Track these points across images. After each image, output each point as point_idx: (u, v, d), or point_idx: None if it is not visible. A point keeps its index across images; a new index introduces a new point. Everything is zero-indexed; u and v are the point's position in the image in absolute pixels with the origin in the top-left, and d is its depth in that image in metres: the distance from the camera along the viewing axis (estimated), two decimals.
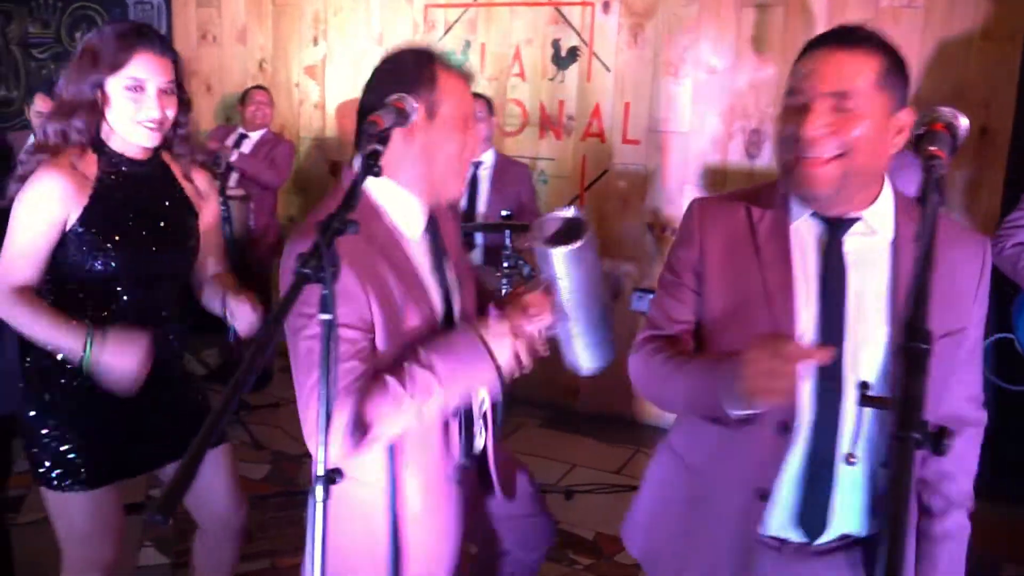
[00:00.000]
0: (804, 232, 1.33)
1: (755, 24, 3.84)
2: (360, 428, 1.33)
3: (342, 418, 1.31)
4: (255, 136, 4.60)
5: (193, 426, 1.90)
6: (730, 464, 1.35)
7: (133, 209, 1.77)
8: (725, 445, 1.35)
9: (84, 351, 1.66)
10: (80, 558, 1.84)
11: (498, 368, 1.41)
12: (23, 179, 1.68)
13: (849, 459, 1.26)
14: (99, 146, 1.76)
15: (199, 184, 1.94)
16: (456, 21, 4.50)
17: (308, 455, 1.17)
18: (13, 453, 2.29)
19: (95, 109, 1.70)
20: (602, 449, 4.01)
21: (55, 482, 1.76)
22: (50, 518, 1.83)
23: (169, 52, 1.74)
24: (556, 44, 4.31)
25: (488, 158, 3.79)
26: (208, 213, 1.95)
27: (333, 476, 1.12)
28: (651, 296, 2.96)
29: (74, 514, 1.79)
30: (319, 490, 1.12)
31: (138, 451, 1.85)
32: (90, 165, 1.73)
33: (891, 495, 0.70)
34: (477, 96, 4.24)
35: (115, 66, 1.68)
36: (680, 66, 4.01)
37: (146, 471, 1.92)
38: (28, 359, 1.79)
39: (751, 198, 1.40)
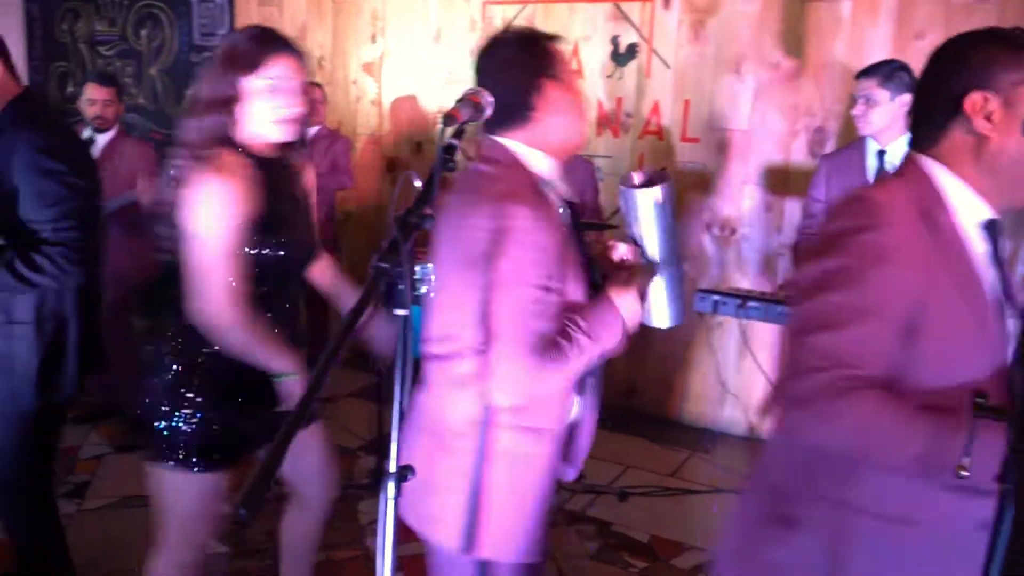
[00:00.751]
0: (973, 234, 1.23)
1: (820, 20, 3.75)
2: (529, 382, 1.42)
3: (516, 368, 1.40)
4: (311, 132, 4.64)
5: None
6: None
7: (281, 200, 1.83)
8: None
9: (284, 375, 1.80)
10: (182, 539, 1.89)
11: (624, 326, 1.54)
12: (180, 182, 1.72)
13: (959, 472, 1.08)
14: (235, 147, 1.79)
15: (309, 179, 2.01)
16: (514, 18, 4.48)
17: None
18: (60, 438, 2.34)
19: (230, 107, 1.75)
20: (656, 451, 3.97)
21: (193, 465, 1.82)
22: (163, 500, 1.88)
23: (301, 54, 1.81)
24: (615, 40, 4.27)
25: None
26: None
27: (405, 472, 1.11)
28: (716, 297, 2.93)
29: (193, 495, 1.85)
30: (391, 487, 1.10)
31: (247, 435, 1.92)
32: (240, 167, 1.75)
33: (1005, 509, 0.66)
34: None
35: (253, 66, 1.73)
36: (742, 63, 3.94)
37: (247, 455, 1.97)
38: (175, 356, 1.83)
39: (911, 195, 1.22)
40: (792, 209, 3.92)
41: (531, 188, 1.48)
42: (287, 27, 5.13)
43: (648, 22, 4.17)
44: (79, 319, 2.16)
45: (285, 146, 1.90)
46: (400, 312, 1.07)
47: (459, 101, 1.30)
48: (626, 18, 4.22)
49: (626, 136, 4.32)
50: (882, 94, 2.82)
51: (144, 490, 3.18)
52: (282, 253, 1.82)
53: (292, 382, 1.82)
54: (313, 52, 5.10)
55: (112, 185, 3.56)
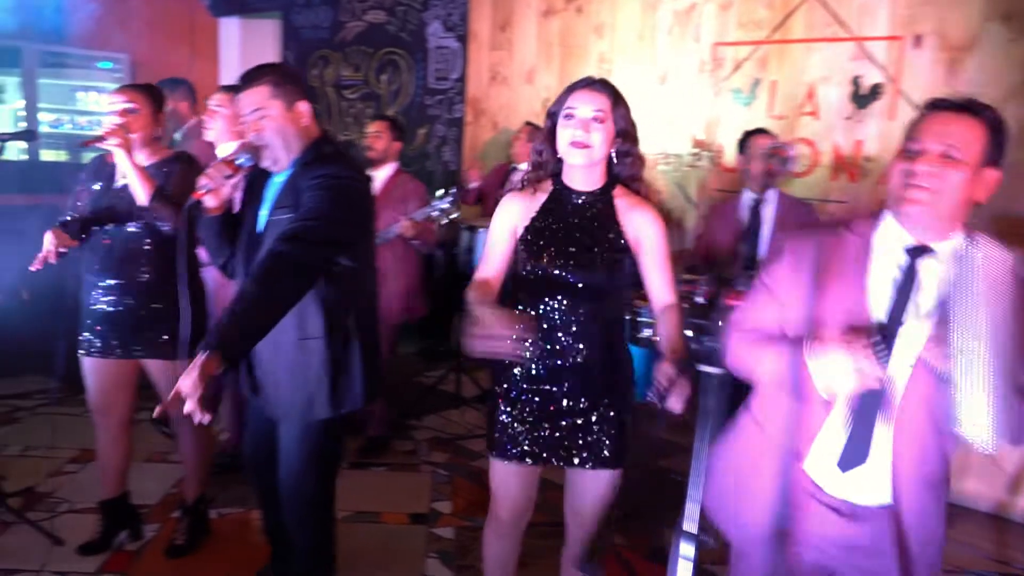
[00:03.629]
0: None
1: None
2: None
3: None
4: (523, 167, 4.77)
5: (601, 444, 2.14)
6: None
7: (562, 231, 2.09)
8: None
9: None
10: (492, 513, 2.28)
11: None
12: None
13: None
14: (558, 181, 2.12)
15: (638, 219, 2.09)
16: (746, 59, 4.41)
17: None
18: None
19: (549, 138, 2.08)
20: None
21: (502, 452, 2.16)
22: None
23: (605, 89, 2.03)
24: (856, 81, 4.08)
25: (771, 196, 3.64)
26: (649, 249, 2.10)
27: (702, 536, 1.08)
28: None
29: (500, 480, 2.22)
30: (685, 547, 1.08)
31: (553, 441, 2.14)
32: (543, 192, 2.13)
33: None
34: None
35: (561, 101, 2.05)
36: (1006, 105, 3.63)
37: (550, 464, 2.16)
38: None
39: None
40: None
41: None
42: (516, 70, 5.35)
43: (896, 61, 3.96)
44: (362, 339, 2.33)
45: (615, 182, 2.13)
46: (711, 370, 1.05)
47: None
48: (870, 57, 4.03)
49: (865, 181, 4.10)
50: None
51: (376, 506, 3.34)
52: (546, 268, 2.07)
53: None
54: (540, 94, 5.27)
55: (388, 217, 3.84)
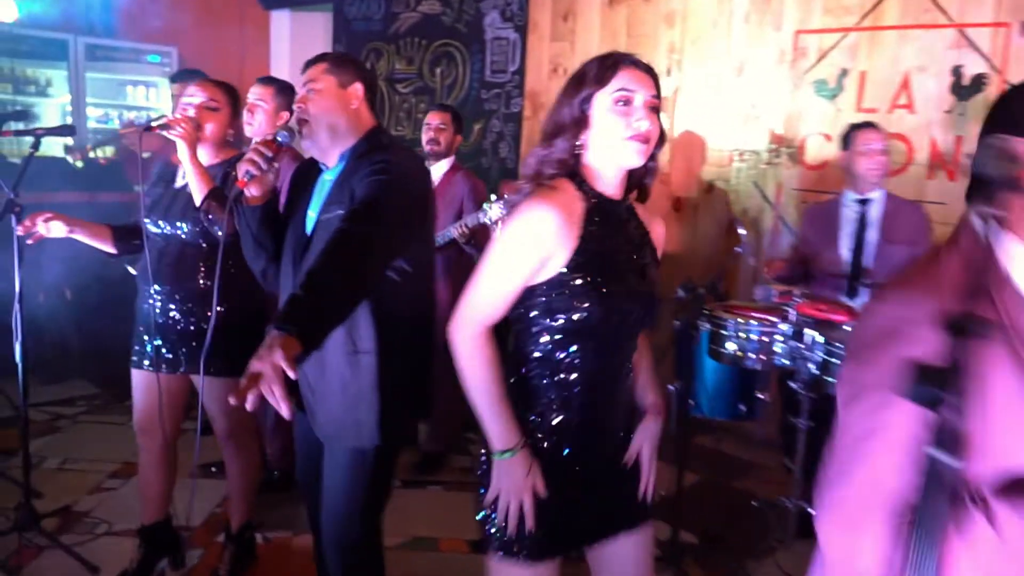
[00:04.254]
0: None
1: None
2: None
3: (865, 546, 0.95)
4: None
5: (630, 502, 1.73)
6: None
7: (615, 254, 1.64)
8: None
9: (501, 452, 1.60)
10: None
11: None
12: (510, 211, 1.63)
13: None
14: (578, 182, 1.64)
15: (657, 233, 1.78)
16: (832, 47, 4.06)
17: None
18: None
19: (579, 130, 1.60)
20: None
21: (504, 549, 1.64)
22: None
23: (651, 71, 1.63)
24: (957, 71, 3.71)
25: (878, 196, 3.29)
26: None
27: None
28: None
29: None
30: None
31: (577, 524, 1.70)
32: (575, 200, 1.61)
33: None
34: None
35: (602, 80, 1.58)
36: None
37: (579, 546, 1.75)
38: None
39: None
40: None
41: None
42: (578, 62, 5.04)
43: (1001, 50, 3.58)
44: (418, 354, 2.09)
45: (633, 186, 1.70)
46: (931, 452, 0.77)
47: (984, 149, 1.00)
48: (973, 45, 3.66)
49: (966, 181, 3.72)
50: None
51: (432, 531, 3.08)
52: (603, 309, 1.58)
53: (505, 464, 1.59)
54: None
55: (443, 217, 3.60)
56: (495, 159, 5.61)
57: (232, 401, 1.37)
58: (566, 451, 1.64)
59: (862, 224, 3.22)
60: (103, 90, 5.80)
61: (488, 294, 1.60)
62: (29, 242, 2.56)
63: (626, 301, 1.62)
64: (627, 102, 1.57)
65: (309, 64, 2.09)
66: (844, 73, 4.05)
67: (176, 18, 5.63)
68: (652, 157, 1.65)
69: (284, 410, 1.41)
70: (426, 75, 5.89)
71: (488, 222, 3.70)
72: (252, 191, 2.00)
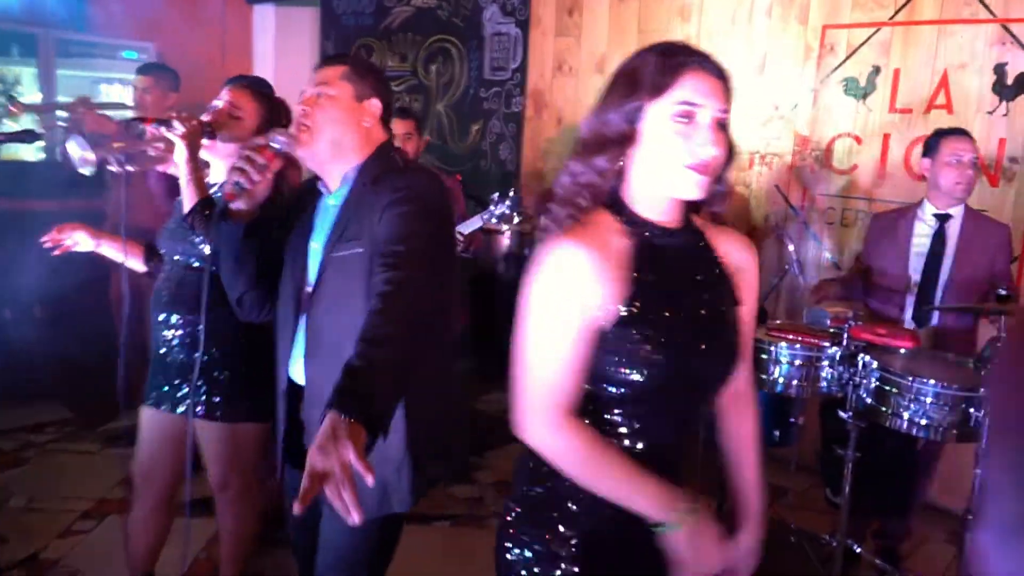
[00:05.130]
0: None
1: None
2: None
3: None
4: None
5: None
6: None
7: (674, 296, 1.30)
8: None
9: (669, 524, 1.25)
10: None
11: None
12: (524, 250, 1.33)
13: None
14: (617, 208, 1.30)
15: (737, 256, 1.42)
16: (863, 43, 3.79)
17: None
18: None
19: (624, 146, 1.26)
20: None
21: None
22: None
23: (723, 75, 1.26)
24: (1000, 69, 3.45)
25: (957, 213, 2.95)
26: (747, 298, 1.43)
27: None
28: None
29: None
30: None
31: None
32: (615, 235, 1.28)
33: None
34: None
35: (659, 88, 1.22)
36: None
37: None
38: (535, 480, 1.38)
39: None
40: None
41: None
42: (584, 59, 4.77)
43: None
44: (447, 399, 1.82)
45: (715, 213, 1.37)
46: None
47: None
48: (1018, 42, 3.40)
49: (1008, 185, 3.48)
50: None
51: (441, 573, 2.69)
52: (662, 365, 1.26)
53: (678, 535, 1.25)
54: None
55: None
56: (495, 161, 5.30)
57: (296, 510, 1.08)
58: (612, 553, 1.33)
59: (939, 242, 2.93)
60: (75, 88, 5.42)
61: (542, 368, 1.25)
62: (56, 253, 2.35)
63: (695, 357, 1.30)
64: (690, 118, 1.22)
65: (326, 63, 1.80)
66: (876, 71, 3.78)
67: (153, 12, 5.28)
68: (719, 179, 1.30)
69: (356, 517, 1.11)
70: (421, 73, 5.57)
71: (494, 222, 3.50)
72: (239, 205, 1.72)
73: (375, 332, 1.42)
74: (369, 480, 1.14)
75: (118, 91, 5.62)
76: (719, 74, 1.25)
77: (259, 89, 2.23)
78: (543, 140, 5.05)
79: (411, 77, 5.63)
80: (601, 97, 1.30)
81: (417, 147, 3.78)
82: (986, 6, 3.47)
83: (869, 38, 3.78)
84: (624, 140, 1.26)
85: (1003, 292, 2.64)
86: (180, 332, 2.23)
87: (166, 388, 2.26)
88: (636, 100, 1.24)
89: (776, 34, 4.06)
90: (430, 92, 5.56)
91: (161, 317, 2.25)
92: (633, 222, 1.29)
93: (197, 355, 1.96)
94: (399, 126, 3.65)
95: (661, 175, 1.27)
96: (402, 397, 1.51)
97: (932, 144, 2.96)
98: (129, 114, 4.24)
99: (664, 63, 1.23)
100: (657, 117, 1.23)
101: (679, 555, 1.25)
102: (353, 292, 1.63)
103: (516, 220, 3.61)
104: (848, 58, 3.86)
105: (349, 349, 1.39)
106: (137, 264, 2.43)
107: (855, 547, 2.97)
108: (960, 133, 2.92)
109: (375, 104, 1.78)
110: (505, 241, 4.89)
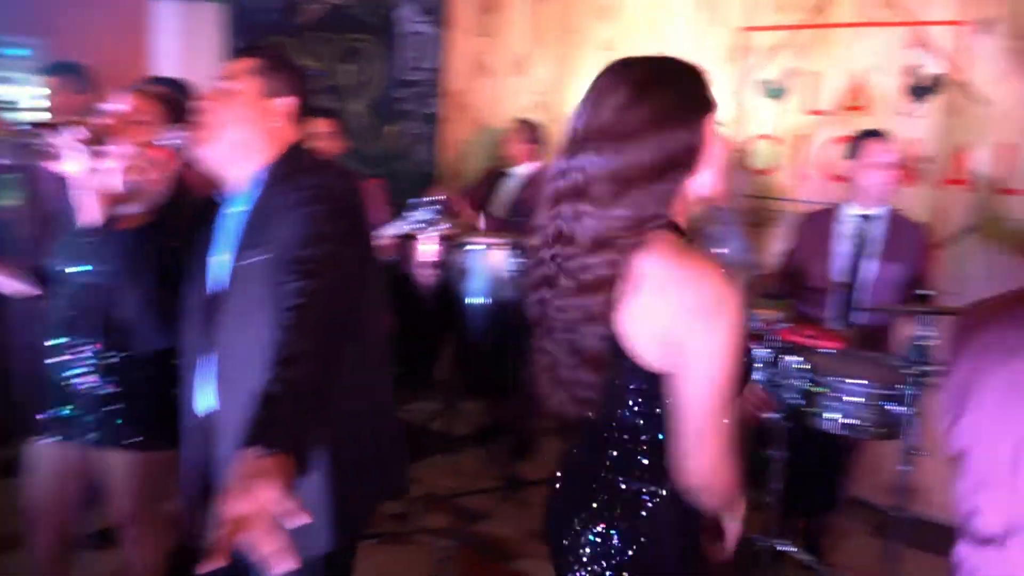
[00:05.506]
0: None
1: None
2: None
3: None
4: (518, 172, 4.12)
5: None
6: None
7: None
8: None
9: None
10: None
11: None
12: (597, 285, 1.22)
13: None
14: (673, 228, 1.28)
15: None
16: (781, 46, 3.83)
17: None
18: None
19: (692, 163, 1.26)
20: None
21: None
22: None
23: None
24: (913, 72, 3.54)
25: (882, 213, 2.98)
26: None
27: None
28: None
29: None
30: None
31: None
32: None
33: None
34: None
35: (712, 101, 1.31)
36: None
37: None
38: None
39: None
40: None
41: None
42: (504, 59, 4.69)
43: (959, 50, 3.42)
44: (378, 423, 1.72)
45: None
46: None
47: None
48: (930, 45, 3.49)
49: (921, 185, 3.56)
50: None
51: None
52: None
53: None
54: (532, 87, 4.62)
55: None
56: (410, 163, 5.18)
57: (200, 572, 0.95)
58: None
59: (861, 242, 2.95)
60: None
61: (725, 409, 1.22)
62: None
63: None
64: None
65: (237, 55, 1.66)
66: (793, 73, 3.83)
67: (46, 6, 4.96)
68: None
69: (288, 564, 0.97)
70: (334, 72, 5.40)
71: (416, 227, 3.51)
72: (127, 208, 1.56)
73: (290, 351, 1.30)
74: (303, 519, 1.02)
75: (14, 91, 5.26)
76: None
77: (168, 92, 2.06)
78: (460, 142, 4.95)
79: (325, 77, 5.45)
80: (652, 119, 1.24)
81: (337, 148, 3.63)
82: (899, 9, 3.55)
83: (786, 41, 3.82)
84: (695, 154, 1.25)
85: (923, 292, 2.70)
86: (81, 356, 2.02)
87: (66, 416, 2.06)
88: (706, 112, 1.28)
89: (696, 36, 4.07)
90: (345, 92, 5.39)
91: (57, 341, 2.04)
92: (690, 240, 1.28)
93: (98, 380, 1.78)
94: (321, 125, 3.52)
95: (711, 178, 1.29)
96: (326, 413, 1.39)
97: (854, 146, 2.99)
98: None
99: (703, 77, 1.34)
100: (711, 128, 1.28)
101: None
102: (264, 303, 1.49)
103: (441, 225, 3.53)
104: (765, 60, 3.89)
105: (262, 369, 1.27)
106: (27, 287, 2.19)
107: (781, 546, 2.97)
108: (878, 135, 2.97)
109: (288, 102, 1.65)
110: (428, 246, 4.78)
